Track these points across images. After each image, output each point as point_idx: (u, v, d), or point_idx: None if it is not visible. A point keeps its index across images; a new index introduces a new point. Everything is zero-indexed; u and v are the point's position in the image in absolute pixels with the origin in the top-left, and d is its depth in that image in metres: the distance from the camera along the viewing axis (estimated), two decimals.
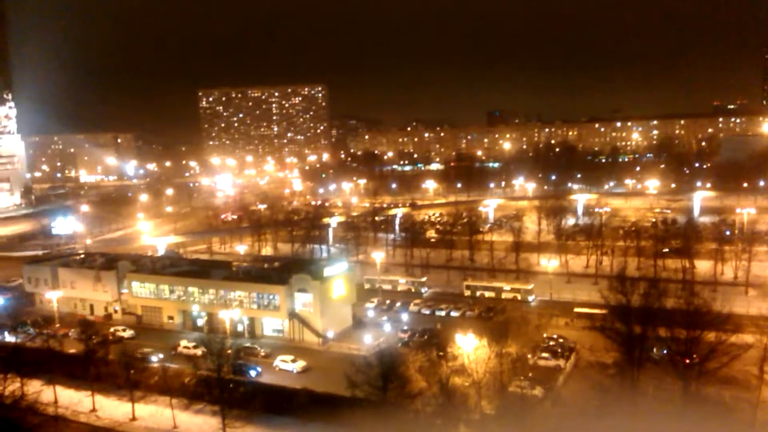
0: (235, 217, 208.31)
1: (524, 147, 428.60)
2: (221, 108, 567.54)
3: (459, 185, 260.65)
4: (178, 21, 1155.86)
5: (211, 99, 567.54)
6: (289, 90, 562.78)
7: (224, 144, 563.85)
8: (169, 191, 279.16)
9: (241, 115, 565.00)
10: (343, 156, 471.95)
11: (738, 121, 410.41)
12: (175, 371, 77.30)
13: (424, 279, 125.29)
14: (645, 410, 57.58)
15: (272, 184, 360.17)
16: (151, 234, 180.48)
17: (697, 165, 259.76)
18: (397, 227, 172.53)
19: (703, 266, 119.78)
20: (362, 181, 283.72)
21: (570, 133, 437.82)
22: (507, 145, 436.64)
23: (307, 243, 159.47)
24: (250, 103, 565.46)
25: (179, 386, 73.42)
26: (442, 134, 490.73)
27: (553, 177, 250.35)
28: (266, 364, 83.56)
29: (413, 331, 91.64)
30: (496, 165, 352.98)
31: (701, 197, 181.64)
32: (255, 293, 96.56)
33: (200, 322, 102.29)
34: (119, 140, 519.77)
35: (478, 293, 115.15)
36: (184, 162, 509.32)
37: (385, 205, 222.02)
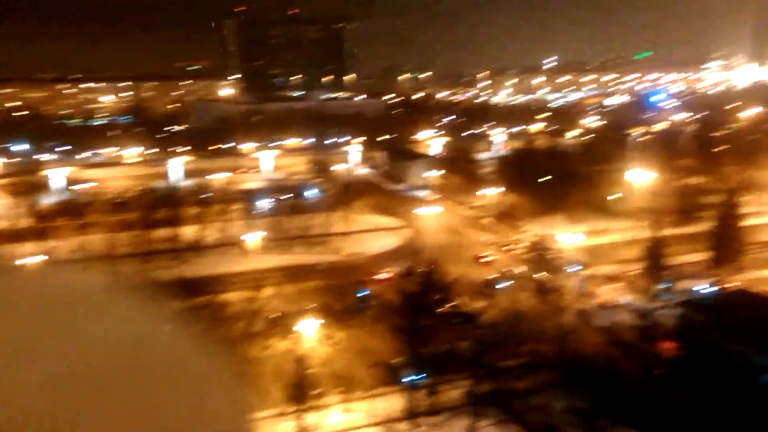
0: None
1: None
2: None
3: None
4: None
5: None
6: None
7: None
8: None
9: None
10: None
11: (202, 84, 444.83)
12: None
13: None
14: None
15: None
16: None
17: (174, 129, 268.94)
18: None
19: (190, 231, 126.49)
20: None
21: (34, 96, 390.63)
22: None
23: None
24: None
25: None
26: None
27: (22, 148, 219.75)
28: None
29: None
30: None
31: (181, 162, 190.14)
32: None
33: None
34: None
35: None
36: None
37: None
